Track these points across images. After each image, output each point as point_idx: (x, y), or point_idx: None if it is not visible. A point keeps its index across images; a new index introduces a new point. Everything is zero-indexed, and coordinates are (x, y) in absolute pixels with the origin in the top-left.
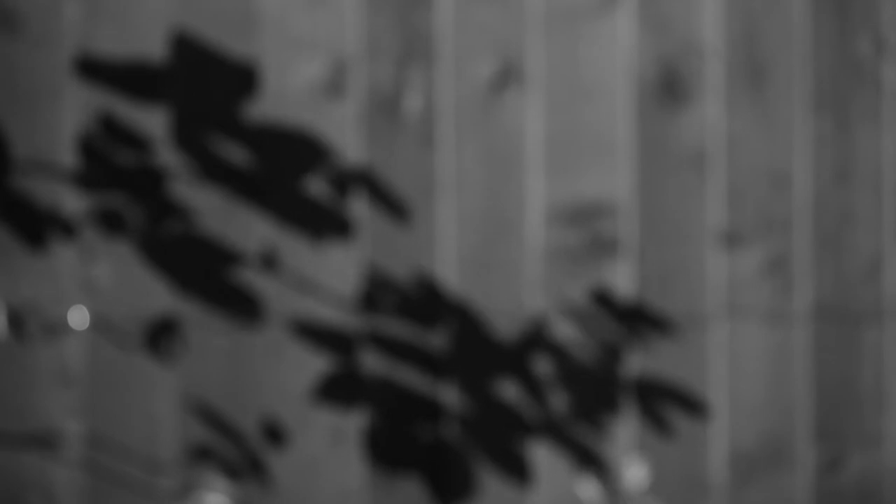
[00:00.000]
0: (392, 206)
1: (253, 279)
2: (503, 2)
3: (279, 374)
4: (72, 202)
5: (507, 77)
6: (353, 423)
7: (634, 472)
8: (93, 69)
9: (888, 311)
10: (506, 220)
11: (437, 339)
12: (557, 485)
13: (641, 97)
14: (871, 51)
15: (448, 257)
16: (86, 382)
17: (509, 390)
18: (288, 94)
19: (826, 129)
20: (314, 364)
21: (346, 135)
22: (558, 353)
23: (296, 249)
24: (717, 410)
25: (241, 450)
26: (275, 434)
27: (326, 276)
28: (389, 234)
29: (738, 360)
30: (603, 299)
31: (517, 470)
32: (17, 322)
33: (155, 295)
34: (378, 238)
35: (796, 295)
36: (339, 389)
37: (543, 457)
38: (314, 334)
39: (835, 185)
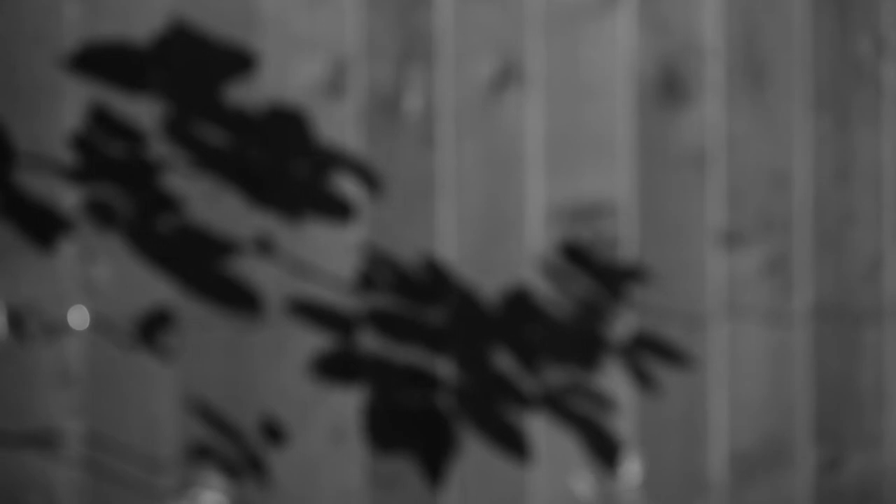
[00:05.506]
0: (369, 182)
1: (251, 269)
2: (503, 2)
3: (279, 373)
4: (70, 198)
5: (507, 77)
6: (352, 423)
7: (628, 468)
8: (86, 61)
9: (888, 311)
10: (506, 221)
11: (434, 315)
12: (555, 459)
13: (641, 97)
14: (871, 51)
15: (448, 257)
16: (86, 382)
17: (503, 361)
18: (288, 93)
19: (826, 129)
20: (313, 355)
21: (345, 135)
22: (542, 314)
23: (292, 236)
24: (717, 410)
25: (240, 449)
26: (274, 433)
27: (324, 261)
28: (389, 227)
29: (738, 360)
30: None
31: (514, 443)
32: (17, 322)
33: (155, 293)
34: (377, 227)
35: (796, 295)
36: (338, 369)
37: (541, 429)
38: (312, 314)
39: (835, 185)
